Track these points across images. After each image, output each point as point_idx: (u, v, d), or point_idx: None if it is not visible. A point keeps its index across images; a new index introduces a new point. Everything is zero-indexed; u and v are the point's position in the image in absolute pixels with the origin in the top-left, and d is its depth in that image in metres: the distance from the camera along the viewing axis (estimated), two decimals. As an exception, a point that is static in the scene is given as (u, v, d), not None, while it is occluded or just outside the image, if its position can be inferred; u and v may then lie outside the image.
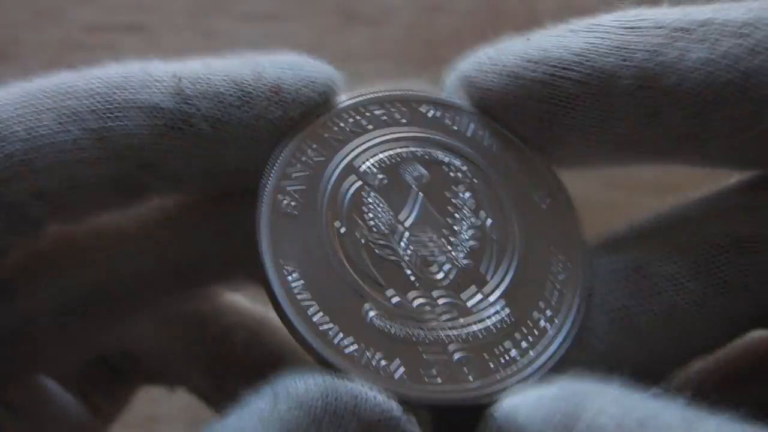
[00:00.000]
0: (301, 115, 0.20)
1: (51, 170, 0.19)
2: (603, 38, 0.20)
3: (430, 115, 0.21)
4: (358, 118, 0.21)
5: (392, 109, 0.21)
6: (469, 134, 0.21)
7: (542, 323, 0.20)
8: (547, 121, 0.20)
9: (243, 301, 0.25)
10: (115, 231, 0.22)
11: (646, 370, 0.20)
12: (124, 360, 0.25)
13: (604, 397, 0.17)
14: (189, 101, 0.19)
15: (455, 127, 0.21)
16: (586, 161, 0.21)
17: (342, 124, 0.21)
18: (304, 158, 0.20)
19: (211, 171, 0.20)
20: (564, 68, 0.20)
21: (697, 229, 0.21)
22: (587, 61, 0.20)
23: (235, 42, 0.49)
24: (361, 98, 0.21)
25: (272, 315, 0.20)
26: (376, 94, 0.21)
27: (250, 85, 0.20)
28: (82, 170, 0.20)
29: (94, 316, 0.22)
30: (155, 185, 0.20)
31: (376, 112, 0.21)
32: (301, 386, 0.17)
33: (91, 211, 0.21)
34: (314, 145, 0.20)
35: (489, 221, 0.21)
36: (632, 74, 0.19)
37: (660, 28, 0.20)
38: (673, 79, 0.19)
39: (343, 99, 0.21)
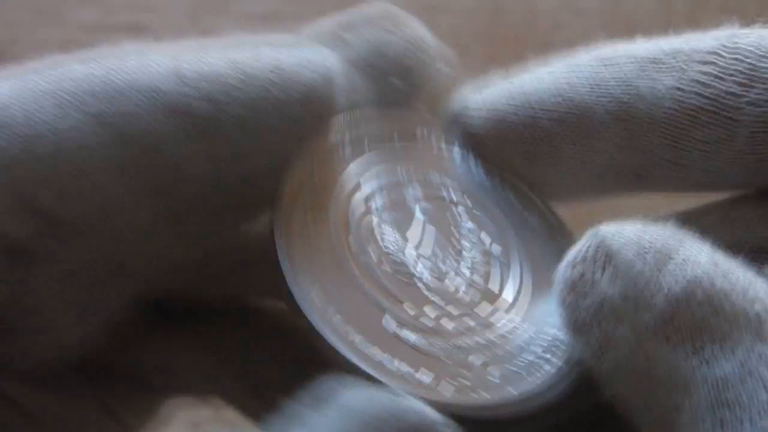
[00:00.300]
0: (302, 95, 0.20)
1: (54, 157, 0.19)
2: (579, 75, 0.21)
3: (423, 137, 0.22)
4: (357, 134, 0.21)
5: (388, 128, 0.22)
6: (460, 160, 0.22)
7: (554, 331, 0.20)
8: (530, 158, 0.21)
9: (273, 304, 0.25)
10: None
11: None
12: (148, 370, 0.24)
13: (702, 244, 0.18)
14: (188, 82, 0.19)
15: (447, 152, 0.22)
16: (570, 193, 0.22)
17: (344, 140, 0.21)
18: (312, 174, 0.20)
19: (213, 155, 0.20)
20: (542, 108, 0.21)
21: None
22: (564, 99, 0.21)
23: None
24: (357, 115, 0.21)
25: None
26: (372, 113, 0.22)
27: (249, 65, 0.20)
28: (86, 156, 0.19)
29: (98, 283, 0.22)
30: (159, 173, 0.20)
31: (374, 130, 0.22)
32: (354, 399, 0.18)
33: (94, 201, 0.20)
34: (321, 162, 0.21)
35: (490, 240, 0.21)
36: (607, 106, 0.20)
37: (632, 60, 0.21)
38: (645, 108, 0.20)
39: (343, 114, 0.21)
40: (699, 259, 0.18)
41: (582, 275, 0.18)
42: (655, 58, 0.21)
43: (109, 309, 0.22)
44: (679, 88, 0.20)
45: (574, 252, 0.19)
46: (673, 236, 0.18)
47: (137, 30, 0.45)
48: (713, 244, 0.19)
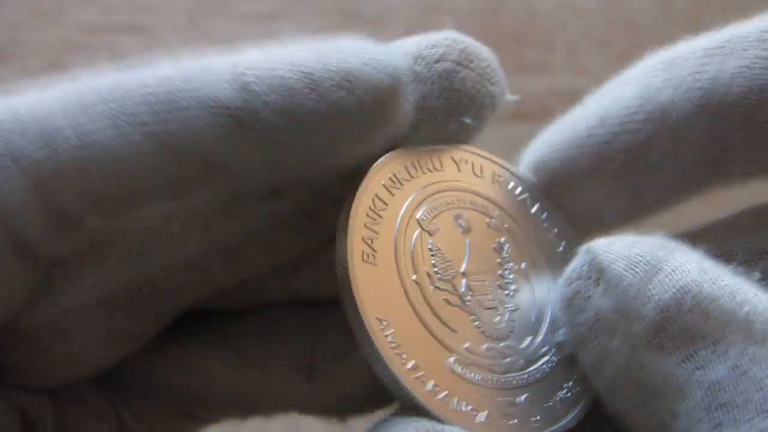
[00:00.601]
0: (374, 100, 0.19)
1: (107, 178, 0.18)
2: (651, 77, 0.21)
3: (458, 161, 0.22)
4: (408, 166, 0.21)
5: (430, 159, 0.22)
6: (493, 183, 0.22)
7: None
8: (627, 173, 0.21)
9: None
10: (155, 213, 0.21)
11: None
12: (187, 401, 0.23)
13: (691, 253, 0.18)
14: (255, 94, 0.18)
15: (482, 176, 0.22)
16: (656, 204, 0.22)
17: (397, 173, 0.21)
18: (372, 206, 0.20)
19: (277, 166, 0.19)
20: (627, 114, 0.21)
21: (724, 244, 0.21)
22: (646, 101, 0.21)
23: (235, 42, 0.49)
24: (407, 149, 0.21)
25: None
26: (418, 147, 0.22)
27: (317, 72, 0.19)
28: (141, 176, 0.19)
29: (138, 309, 0.21)
30: (216, 185, 0.19)
31: (421, 161, 0.22)
32: (398, 427, 0.18)
33: (145, 214, 0.20)
34: (378, 193, 0.21)
35: (524, 265, 0.22)
36: (685, 98, 0.20)
37: (693, 53, 0.21)
38: (721, 91, 0.20)
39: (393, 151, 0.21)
40: (688, 267, 0.18)
41: (577, 292, 0.19)
42: (715, 47, 0.21)
43: (147, 332, 0.22)
44: (747, 66, 0.20)
45: (569, 269, 0.19)
46: (662, 248, 0.18)
47: (137, 30, 0.45)
48: (705, 252, 0.19)
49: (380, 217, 0.21)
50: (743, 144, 0.21)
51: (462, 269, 0.21)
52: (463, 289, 0.21)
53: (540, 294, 0.21)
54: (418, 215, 0.21)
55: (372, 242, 0.20)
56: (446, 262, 0.21)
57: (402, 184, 0.21)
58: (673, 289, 0.18)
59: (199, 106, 0.18)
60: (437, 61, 0.21)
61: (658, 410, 0.18)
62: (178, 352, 0.23)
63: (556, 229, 0.22)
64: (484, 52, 0.22)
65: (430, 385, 0.19)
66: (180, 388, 0.23)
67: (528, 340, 0.21)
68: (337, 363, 0.22)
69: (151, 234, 0.21)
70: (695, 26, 0.22)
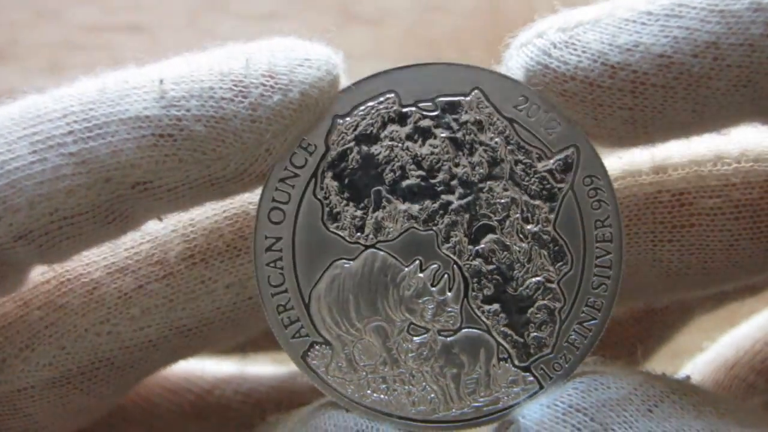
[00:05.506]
0: (302, 94, 0.18)
1: (31, 206, 0.18)
2: (689, 31, 0.17)
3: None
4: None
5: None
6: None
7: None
8: (631, 125, 0.18)
9: None
10: (114, 294, 0.20)
11: (668, 296, 0.21)
12: None
13: (627, 411, 0.17)
14: (176, 103, 0.18)
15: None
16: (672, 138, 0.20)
17: None
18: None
19: (211, 177, 0.19)
20: (646, 74, 0.18)
21: (754, 165, 0.20)
22: (672, 63, 0.17)
23: (234, 42, 0.49)
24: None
25: None
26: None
27: (240, 74, 0.18)
28: (66, 201, 0.18)
29: (95, 386, 0.21)
30: (150, 205, 0.19)
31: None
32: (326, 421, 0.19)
33: (79, 246, 0.19)
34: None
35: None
36: (728, 76, 0.17)
37: (757, 11, 0.17)
38: None
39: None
40: None
41: None
42: None
43: (105, 405, 0.22)
44: None
45: None
46: (595, 416, 0.18)
47: (137, 30, 0.45)
48: None
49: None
50: None
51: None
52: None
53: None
54: None
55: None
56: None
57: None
58: None
59: (117, 120, 0.18)
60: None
61: None
62: None
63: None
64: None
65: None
66: None
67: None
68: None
69: (111, 315, 0.20)
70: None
